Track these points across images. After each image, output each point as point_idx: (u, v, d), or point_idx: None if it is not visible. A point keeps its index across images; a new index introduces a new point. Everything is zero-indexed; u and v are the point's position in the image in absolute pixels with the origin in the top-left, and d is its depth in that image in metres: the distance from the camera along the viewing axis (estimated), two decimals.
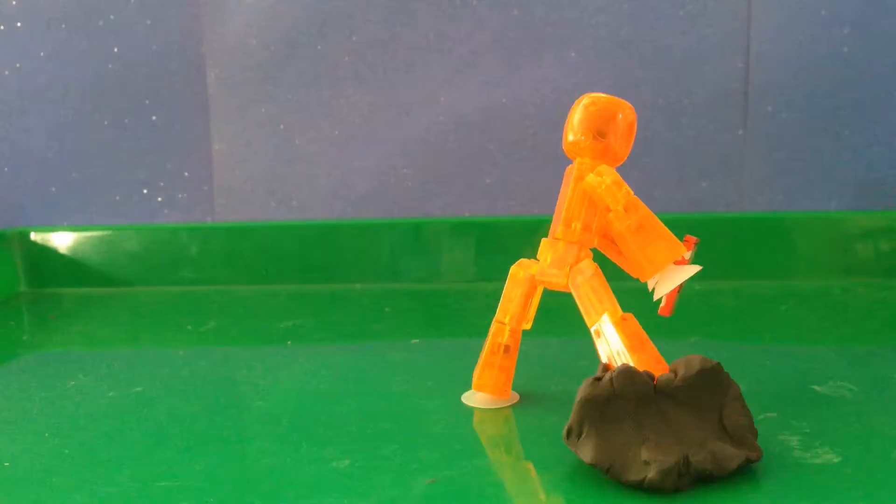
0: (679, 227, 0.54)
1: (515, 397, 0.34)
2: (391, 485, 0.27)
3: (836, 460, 0.28)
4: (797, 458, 0.28)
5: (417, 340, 0.44)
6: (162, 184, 0.61)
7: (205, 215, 0.61)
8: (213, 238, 0.59)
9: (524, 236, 0.56)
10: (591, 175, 0.31)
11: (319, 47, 0.59)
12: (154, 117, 0.60)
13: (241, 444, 0.30)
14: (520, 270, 0.33)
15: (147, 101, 0.60)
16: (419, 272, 0.57)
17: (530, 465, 0.28)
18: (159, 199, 0.61)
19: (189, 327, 0.48)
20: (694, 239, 0.32)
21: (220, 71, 0.60)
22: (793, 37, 0.56)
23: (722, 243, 0.56)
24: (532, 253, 0.34)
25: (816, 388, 0.35)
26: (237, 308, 0.52)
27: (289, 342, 0.44)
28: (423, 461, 0.28)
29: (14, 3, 0.59)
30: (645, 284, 0.32)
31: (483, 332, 0.34)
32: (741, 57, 0.57)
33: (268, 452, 0.29)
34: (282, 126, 0.60)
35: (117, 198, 0.61)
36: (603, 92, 0.33)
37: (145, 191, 0.61)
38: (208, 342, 0.45)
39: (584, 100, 0.33)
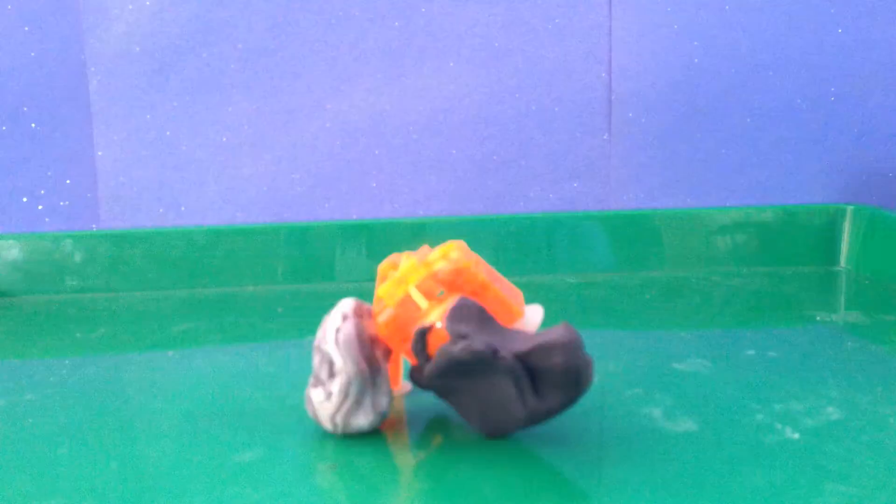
0: (553, 224, 0.58)
1: (407, 387, 0.36)
2: (294, 472, 0.27)
3: (694, 428, 0.31)
4: (661, 427, 0.31)
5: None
6: (43, 191, 0.59)
7: (89, 223, 0.60)
8: (98, 245, 0.57)
9: (409, 237, 0.58)
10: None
11: (205, 55, 0.59)
12: (34, 125, 0.58)
13: (141, 443, 0.30)
14: (389, 267, 0.35)
15: (26, 109, 0.58)
16: (310, 273, 0.58)
17: (420, 451, 0.30)
18: (40, 206, 0.59)
19: (78, 335, 0.47)
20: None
21: (103, 78, 0.58)
22: (649, 49, 0.60)
23: (592, 239, 0.59)
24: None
25: (677, 365, 0.38)
26: (126, 314, 0.51)
27: (169, 352, 0.43)
28: (322, 450, 0.29)
29: None
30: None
31: None
32: (604, 67, 0.61)
33: (167, 451, 0.30)
34: (168, 133, 0.59)
35: None
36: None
37: (25, 199, 0.59)
38: (99, 349, 0.44)
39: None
